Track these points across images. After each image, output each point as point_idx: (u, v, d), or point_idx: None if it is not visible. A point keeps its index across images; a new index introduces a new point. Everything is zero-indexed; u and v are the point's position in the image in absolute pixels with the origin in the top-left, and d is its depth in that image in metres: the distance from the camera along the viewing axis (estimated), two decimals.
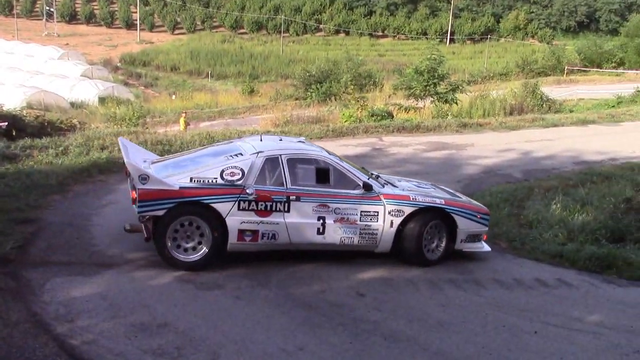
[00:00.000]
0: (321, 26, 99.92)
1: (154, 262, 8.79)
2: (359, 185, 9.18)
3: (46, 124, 21.76)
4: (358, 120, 25.38)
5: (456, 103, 31.73)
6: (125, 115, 32.72)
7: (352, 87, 35.04)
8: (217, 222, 8.59)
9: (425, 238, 9.43)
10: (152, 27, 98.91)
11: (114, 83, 59.67)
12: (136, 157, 9.50)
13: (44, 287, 7.87)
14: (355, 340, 7.07)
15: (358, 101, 28.90)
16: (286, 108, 37.28)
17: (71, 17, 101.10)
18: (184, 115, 31.79)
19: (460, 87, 32.97)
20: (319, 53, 78.14)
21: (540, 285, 9.25)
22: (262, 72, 76.53)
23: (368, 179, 9.40)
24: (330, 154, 9.59)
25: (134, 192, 8.46)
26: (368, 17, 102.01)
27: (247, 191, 8.66)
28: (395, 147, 18.58)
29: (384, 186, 9.56)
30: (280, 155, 9.07)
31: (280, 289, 8.34)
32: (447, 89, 32.32)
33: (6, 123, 18.06)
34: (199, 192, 8.55)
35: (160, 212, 8.41)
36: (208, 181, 8.68)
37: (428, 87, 31.85)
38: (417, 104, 32.29)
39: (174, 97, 57.34)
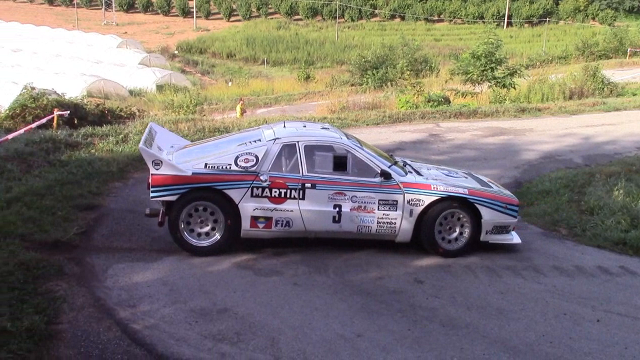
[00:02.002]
0: (376, 11, 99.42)
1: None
2: (378, 173, 9.03)
3: (106, 112, 22.07)
4: (414, 106, 25.20)
5: (514, 88, 31.24)
6: (182, 102, 32.98)
7: (408, 72, 34.76)
8: (230, 208, 8.66)
9: (443, 228, 9.19)
10: (208, 15, 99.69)
11: (171, 71, 60.27)
12: (164, 142, 9.67)
13: (107, 272, 8.07)
14: (413, 327, 7.06)
15: (414, 87, 28.68)
16: (342, 94, 37.25)
17: (129, 6, 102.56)
18: (240, 102, 31.98)
19: (518, 72, 32.43)
20: (375, 38, 77.77)
21: (602, 273, 9.06)
22: (317, 58, 76.47)
23: (389, 166, 9.21)
24: (351, 141, 9.43)
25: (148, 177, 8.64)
26: (424, 1, 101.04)
27: (261, 178, 8.68)
28: (453, 133, 18.42)
29: (406, 174, 9.33)
30: (298, 142, 9.02)
31: (338, 275, 8.37)
32: (504, 73, 31.82)
33: (68, 112, 18.37)
34: (211, 178, 8.62)
35: (173, 197, 8.56)
36: (222, 167, 8.73)
37: (485, 72, 31.42)
38: (474, 89, 31.93)
39: (230, 84, 57.69)
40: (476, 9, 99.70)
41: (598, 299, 8.08)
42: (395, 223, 9.03)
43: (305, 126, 10.08)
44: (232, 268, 8.42)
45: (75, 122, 18.47)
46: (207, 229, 8.73)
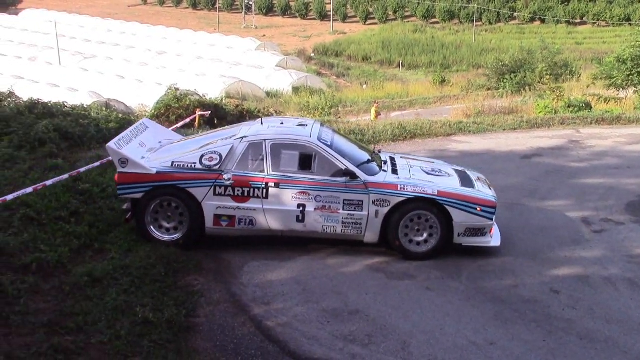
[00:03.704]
0: (515, 14, 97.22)
1: (345, 250, 9.02)
2: (343, 172, 8.77)
3: (244, 112, 22.62)
4: (553, 112, 24.49)
5: None
6: (317, 104, 33.45)
7: (547, 77, 33.89)
8: (194, 206, 8.69)
9: (410, 229, 8.83)
10: (344, 18, 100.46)
11: (307, 73, 61.11)
12: (152, 138, 9.74)
13: (243, 269, 8.33)
14: (548, 338, 6.90)
15: (554, 91, 27.93)
16: (478, 98, 36.70)
17: (268, 10, 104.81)
18: (375, 105, 32.07)
19: None
20: (513, 42, 75.92)
21: None
22: (453, 61, 75.53)
23: (359, 165, 8.98)
24: (321, 139, 9.13)
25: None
26: (565, 3, 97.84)
27: (224, 177, 8.65)
28: (594, 140, 17.76)
29: (378, 173, 9.05)
30: (265, 140, 8.90)
31: (471, 281, 8.27)
32: None
33: (209, 112, 18.96)
34: (174, 176, 8.69)
35: (139, 195, 8.69)
36: (187, 165, 8.77)
37: (631, 77, 30.17)
38: (618, 95, 30.71)
39: (365, 87, 57.96)
40: (623, 10, 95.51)
41: None
42: (361, 224, 8.81)
43: (282, 123, 9.83)
44: (364, 270, 8.48)
45: (216, 122, 19.03)
46: (173, 224, 8.83)
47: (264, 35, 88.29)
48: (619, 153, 16.17)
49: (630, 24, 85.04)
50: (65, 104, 15.94)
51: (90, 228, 8.88)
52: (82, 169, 10.14)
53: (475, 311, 7.47)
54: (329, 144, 9.13)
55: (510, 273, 8.58)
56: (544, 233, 9.99)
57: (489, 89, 46.04)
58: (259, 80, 52.54)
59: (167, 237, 8.81)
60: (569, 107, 25.09)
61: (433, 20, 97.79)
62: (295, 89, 51.10)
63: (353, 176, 8.78)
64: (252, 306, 7.39)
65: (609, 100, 29.41)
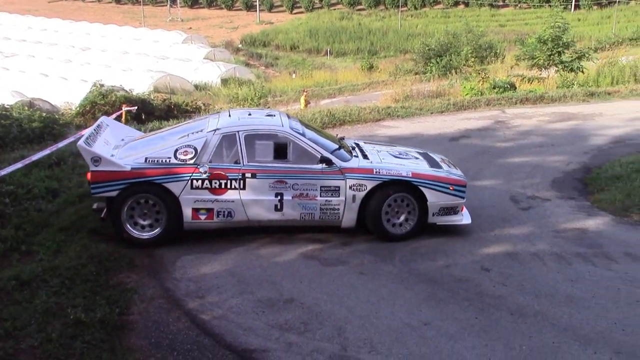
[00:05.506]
0: None
1: (279, 239, 9.02)
2: (319, 159, 8.93)
3: (172, 106, 22.42)
4: (479, 93, 24.88)
5: (582, 72, 30.57)
6: (247, 95, 33.27)
7: (472, 59, 34.34)
8: (172, 201, 8.66)
9: (389, 212, 9.05)
10: (271, 8, 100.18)
11: (236, 64, 60.71)
12: (114, 136, 9.67)
13: (176, 264, 8.25)
14: (481, 315, 7.01)
15: (479, 73, 28.33)
16: (406, 83, 36.88)
17: (193, 2, 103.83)
18: (304, 93, 32.04)
19: (587, 55, 31.69)
20: (438, 26, 76.81)
21: None
22: (380, 47, 76.00)
23: (332, 151, 9.12)
24: (293, 127, 9.27)
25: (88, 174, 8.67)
26: None
27: (200, 170, 8.67)
28: (519, 119, 18.14)
29: (351, 159, 9.24)
30: (238, 131, 8.94)
31: (404, 264, 8.36)
32: (572, 57, 31.17)
33: (136, 107, 18.72)
34: (150, 172, 8.62)
35: (114, 193, 8.56)
36: (162, 161, 8.71)
37: (552, 57, 30.81)
38: (540, 74, 31.34)
39: (294, 76, 57.82)
40: None
41: None
42: (338, 209, 8.98)
43: (250, 114, 9.93)
44: (298, 258, 8.48)
45: (143, 117, 18.81)
46: (150, 221, 8.75)
47: (190, 28, 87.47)
48: (543, 131, 16.55)
49: (550, 6, 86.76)
50: None
51: (17, 230, 8.70)
52: (4, 171, 9.84)
53: (409, 293, 7.55)
54: (301, 132, 9.21)
55: (442, 253, 8.70)
56: (474, 212, 10.13)
57: (416, 74, 46.40)
58: (186, 73, 51.99)
59: (146, 234, 8.71)
60: (494, 88, 25.53)
61: (359, 7, 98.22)
62: (224, 81, 50.67)
63: (329, 163, 8.91)
64: (186, 300, 7.32)
65: (532, 80, 29.97)
